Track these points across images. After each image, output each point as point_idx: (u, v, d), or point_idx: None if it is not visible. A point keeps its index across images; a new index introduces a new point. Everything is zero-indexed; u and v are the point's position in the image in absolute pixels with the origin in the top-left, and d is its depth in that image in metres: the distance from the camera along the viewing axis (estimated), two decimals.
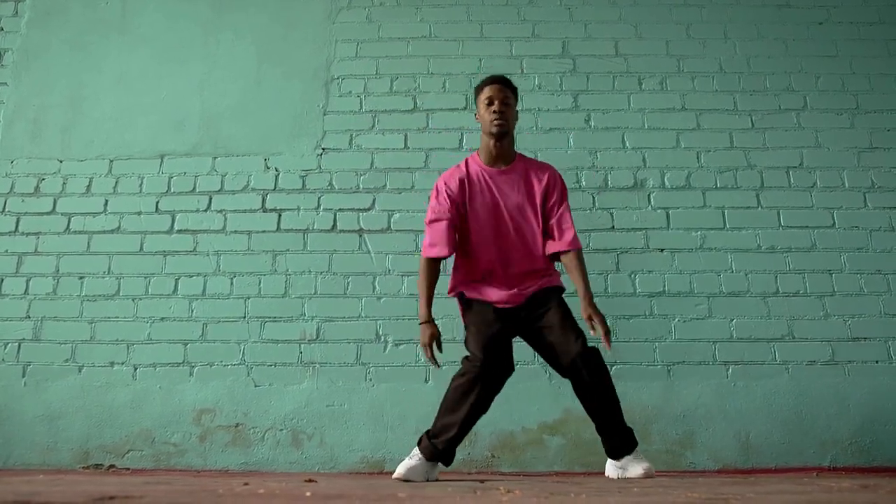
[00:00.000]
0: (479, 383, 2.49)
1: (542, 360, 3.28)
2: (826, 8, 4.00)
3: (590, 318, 2.57)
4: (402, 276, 3.49)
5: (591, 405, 2.56)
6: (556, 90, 3.84)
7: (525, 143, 3.69)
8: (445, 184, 2.73)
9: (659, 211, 3.59)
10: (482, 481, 2.38)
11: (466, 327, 2.67)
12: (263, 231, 3.60)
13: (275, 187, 3.68)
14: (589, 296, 2.63)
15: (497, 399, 3.19)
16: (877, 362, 3.30)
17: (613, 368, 3.29)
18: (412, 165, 3.67)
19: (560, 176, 2.80)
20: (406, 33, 3.98)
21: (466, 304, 2.72)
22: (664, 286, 3.46)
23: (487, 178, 2.72)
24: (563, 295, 2.73)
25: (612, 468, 2.59)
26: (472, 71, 3.86)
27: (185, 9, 4.10)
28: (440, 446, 2.48)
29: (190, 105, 3.88)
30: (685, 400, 3.26)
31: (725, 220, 3.56)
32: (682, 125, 3.75)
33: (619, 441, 2.54)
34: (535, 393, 3.25)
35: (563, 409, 3.24)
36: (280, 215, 3.63)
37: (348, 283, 3.49)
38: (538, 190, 2.72)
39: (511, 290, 2.67)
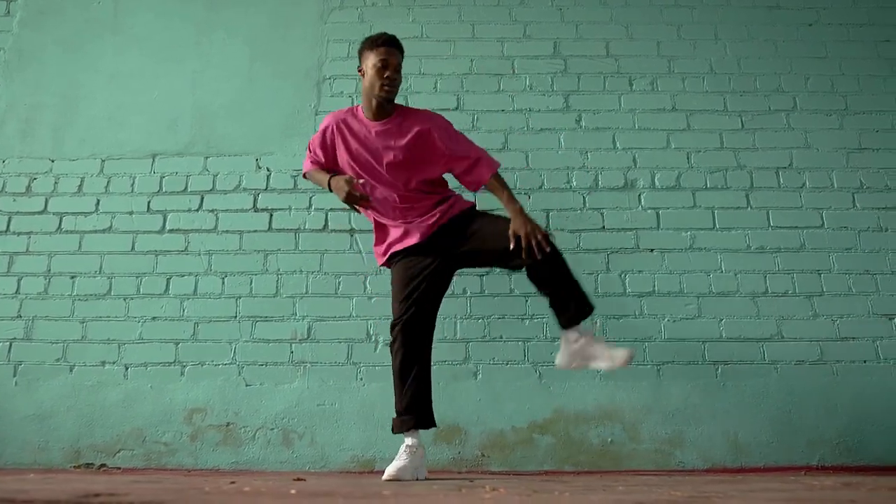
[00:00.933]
0: (401, 340, 2.58)
1: (532, 359, 3.33)
2: (816, 10, 4.02)
3: (515, 234, 2.56)
4: None
5: (545, 280, 2.59)
6: (547, 90, 3.85)
7: (516, 143, 3.71)
8: (323, 134, 2.87)
9: (649, 211, 3.60)
10: (471, 480, 2.40)
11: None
12: (255, 231, 3.60)
13: (266, 187, 3.69)
14: (515, 207, 2.64)
15: (487, 398, 3.23)
16: (865, 362, 3.32)
17: None
18: None
19: (439, 118, 2.83)
20: (397, 33, 3.88)
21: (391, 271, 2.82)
22: (654, 286, 3.47)
23: (366, 132, 2.77)
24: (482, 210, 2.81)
25: (569, 345, 2.59)
26: (464, 71, 3.87)
27: (177, 8, 4.10)
28: (404, 415, 2.56)
29: (182, 105, 3.88)
30: (674, 399, 3.27)
31: (715, 221, 3.58)
32: (672, 126, 3.77)
33: (576, 307, 2.58)
34: (525, 392, 3.27)
35: (553, 409, 3.25)
36: (271, 215, 3.63)
37: (339, 283, 3.50)
38: (415, 137, 2.74)
39: (407, 226, 2.74)
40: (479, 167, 2.77)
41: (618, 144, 3.73)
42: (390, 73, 2.68)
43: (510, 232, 2.55)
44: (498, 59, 3.92)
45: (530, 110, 3.80)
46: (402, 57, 2.81)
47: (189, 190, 3.69)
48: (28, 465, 3.22)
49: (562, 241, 3.47)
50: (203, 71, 3.96)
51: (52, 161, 3.77)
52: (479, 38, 3.96)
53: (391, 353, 2.64)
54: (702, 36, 3.97)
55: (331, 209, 3.62)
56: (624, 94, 3.84)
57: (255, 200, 3.66)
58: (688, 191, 3.64)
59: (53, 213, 3.66)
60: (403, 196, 2.76)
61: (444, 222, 2.71)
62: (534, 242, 2.52)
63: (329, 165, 2.90)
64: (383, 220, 2.86)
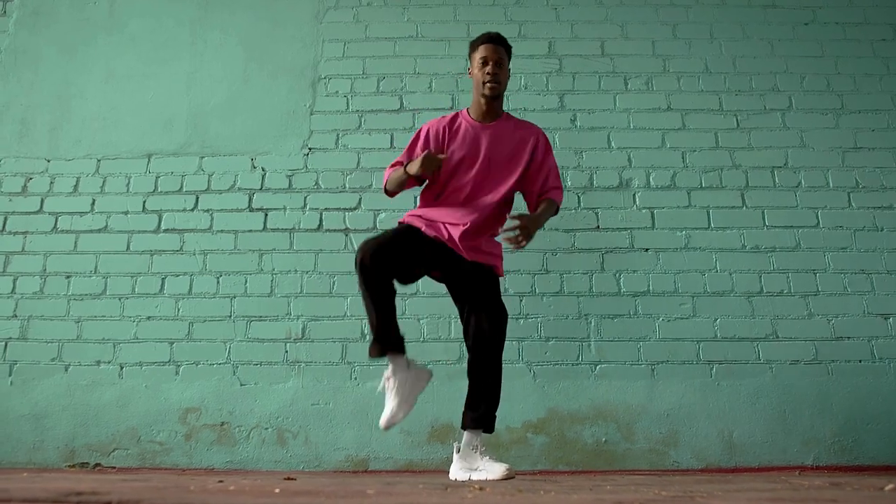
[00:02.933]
0: (364, 273, 2.46)
1: (526, 359, 3.33)
2: (812, 9, 4.01)
3: (522, 223, 2.51)
4: None
5: (477, 365, 2.54)
6: (542, 90, 3.85)
7: None
8: (428, 132, 2.80)
9: (644, 211, 3.60)
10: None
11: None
12: (250, 230, 3.61)
13: (261, 187, 3.69)
14: (538, 215, 2.64)
15: None
16: (860, 361, 3.31)
17: (598, 368, 3.31)
18: None
19: (545, 136, 2.83)
20: (393, 33, 3.99)
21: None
22: (649, 286, 3.47)
23: (475, 131, 2.74)
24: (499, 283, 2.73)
25: (458, 461, 2.50)
26: (459, 71, 3.87)
27: (172, 8, 4.11)
28: (381, 338, 2.51)
29: (177, 104, 3.89)
30: (669, 399, 3.27)
31: (710, 220, 3.57)
32: (667, 125, 3.76)
33: (486, 411, 2.53)
34: (519, 392, 3.26)
35: (547, 409, 3.25)
36: (266, 215, 3.64)
37: (334, 283, 3.50)
38: (525, 148, 2.75)
39: (459, 231, 2.61)
40: (557, 192, 2.78)
41: (613, 144, 3.73)
42: (491, 68, 2.68)
43: (519, 215, 2.54)
44: None
45: (525, 109, 3.79)
46: (508, 54, 2.78)
47: (184, 190, 3.70)
48: (23, 464, 3.23)
49: (557, 240, 3.49)
50: (198, 71, 3.96)
51: (48, 161, 3.78)
52: (474, 37, 3.95)
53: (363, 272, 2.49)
54: (697, 35, 3.96)
55: (325, 209, 3.63)
56: (619, 94, 3.84)
57: (249, 200, 3.67)
58: (683, 190, 3.63)
59: (49, 213, 3.67)
60: (481, 211, 2.69)
61: (484, 262, 2.66)
62: (522, 233, 2.49)
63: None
64: (444, 210, 2.72)
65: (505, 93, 2.85)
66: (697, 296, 3.45)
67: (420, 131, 2.83)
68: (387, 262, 2.48)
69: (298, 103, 3.86)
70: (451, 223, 2.64)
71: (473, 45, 2.79)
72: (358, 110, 3.83)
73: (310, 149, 3.76)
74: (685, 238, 3.54)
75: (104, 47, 4.04)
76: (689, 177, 3.66)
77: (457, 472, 2.45)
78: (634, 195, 3.63)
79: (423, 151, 2.69)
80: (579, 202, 3.62)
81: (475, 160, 2.71)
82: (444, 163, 2.68)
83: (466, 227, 2.61)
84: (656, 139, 3.73)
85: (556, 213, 2.81)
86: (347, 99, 3.85)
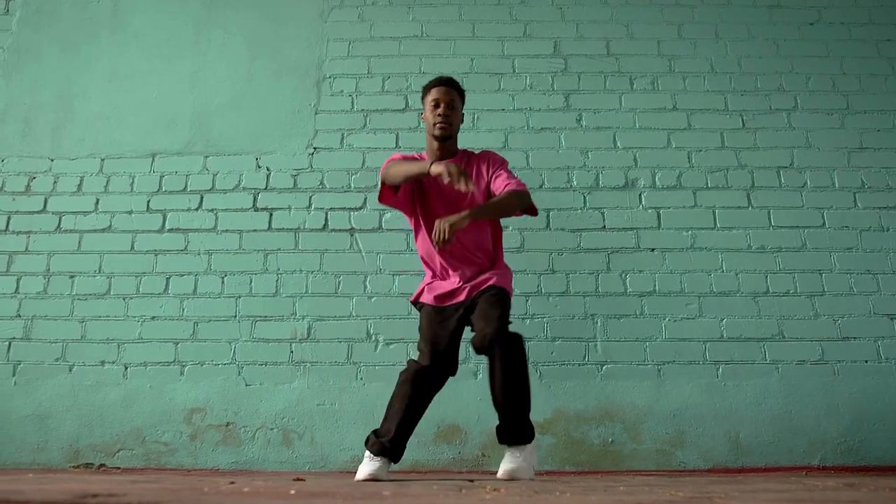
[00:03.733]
0: (418, 381, 2.53)
1: (532, 359, 3.30)
2: (817, 9, 4.01)
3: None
4: (394, 275, 3.49)
5: (498, 387, 2.47)
6: (547, 90, 3.84)
7: (516, 142, 3.71)
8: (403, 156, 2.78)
9: (650, 211, 3.60)
10: (471, 480, 2.39)
11: (419, 327, 2.70)
12: (255, 230, 3.60)
13: (266, 186, 3.68)
14: (476, 209, 2.54)
15: (487, 398, 3.17)
16: (866, 362, 3.31)
17: (604, 368, 3.31)
18: None
19: (496, 155, 2.79)
20: (398, 32, 3.98)
21: (420, 306, 2.76)
22: (655, 286, 3.46)
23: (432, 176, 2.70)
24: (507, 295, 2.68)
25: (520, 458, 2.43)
26: (464, 70, 3.86)
27: (176, 7, 4.09)
28: (387, 444, 2.47)
29: (181, 104, 3.87)
30: (675, 399, 3.26)
31: (716, 220, 3.57)
32: (673, 125, 3.76)
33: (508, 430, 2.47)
34: None
35: (553, 409, 3.25)
36: (271, 214, 3.63)
37: (339, 283, 3.49)
38: (481, 173, 2.74)
39: (456, 285, 2.68)
40: (513, 184, 2.65)
41: (618, 144, 3.72)
42: (442, 110, 2.69)
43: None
44: (498, 58, 3.91)
45: (531, 109, 3.79)
46: (461, 97, 2.80)
47: (188, 189, 3.69)
48: (27, 464, 3.22)
49: (563, 240, 3.48)
50: (202, 70, 3.95)
51: (52, 160, 3.77)
52: (480, 36, 3.96)
53: (400, 377, 2.57)
54: (702, 35, 3.96)
55: (330, 209, 3.62)
56: (624, 94, 3.83)
57: (254, 200, 3.66)
58: (689, 190, 3.63)
59: (53, 213, 3.66)
60: (466, 251, 2.70)
61: (481, 287, 2.65)
62: (439, 228, 2.44)
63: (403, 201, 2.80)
64: (438, 270, 2.77)
65: (459, 130, 2.83)
66: (703, 296, 3.44)
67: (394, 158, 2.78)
68: (451, 364, 2.60)
69: (303, 103, 3.85)
70: (445, 287, 2.71)
71: (426, 90, 2.79)
72: (363, 110, 3.82)
73: (315, 148, 3.75)
74: (691, 238, 3.54)
75: (108, 46, 4.03)
76: (695, 177, 3.66)
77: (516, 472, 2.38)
78: (640, 195, 3.63)
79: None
80: (585, 202, 3.61)
81: (438, 205, 2.71)
82: (423, 210, 2.74)
83: (457, 284, 2.68)
84: (662, 139, 3.73)
85: (520, 202, 2.63)
86: (352, 98, 3.84)
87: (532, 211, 2.73)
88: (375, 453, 2.47)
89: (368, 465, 2.43)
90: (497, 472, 2.39)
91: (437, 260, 2.73)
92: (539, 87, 3.85)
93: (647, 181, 3.65)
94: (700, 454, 3.17)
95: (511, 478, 2.33)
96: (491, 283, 2.65)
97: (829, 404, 3.24)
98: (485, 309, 2.55)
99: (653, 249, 3.53)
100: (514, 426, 2.45)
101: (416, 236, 2.82)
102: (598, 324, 3.39)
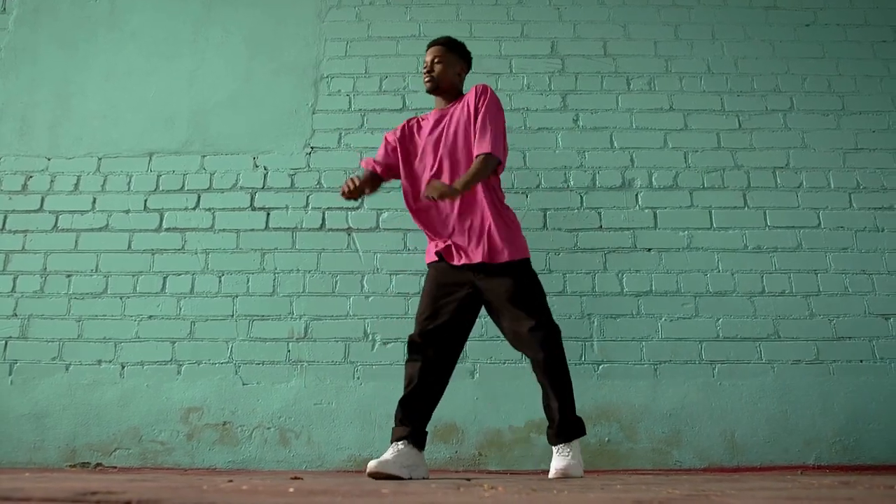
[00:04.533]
0: (412, 363, 2.58)
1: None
2: (813, 10, 4.03)
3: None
4: (391, 274, 3.49)
5: (544, 382, 2.54)
6: (544, 90, 3.85)
7: (513, 142, 3.70)
8: (394, 132, 2.92)
9: (646, 211, 3.61)
10: (468, 479, 2.40)
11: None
12: (252, 230, 3.60)
13: (263, 186, 3.68)
14: (456, 186, 2.47)
15: (484, 397, 3.22)
16: (861, 361, 3.33)
17: (600, 367, 3.32)
18: None
19: (480, 87, 2.76)
20: (395, 32, 3.99)
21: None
22: (651, 286, 3.47)
23: (430, 119, 2.84)
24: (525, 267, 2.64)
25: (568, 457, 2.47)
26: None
27: (174, 5, 4.09)
28: (395, 425, 2.54)
29: (179, 103, 3.87)
30: (672, 399, 3.27)
31: (712, 220, 3.58)
32: (669, 125, 3.77)
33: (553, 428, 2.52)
34: (522, 391, 3.25)
35: None
36: (268, 214, 3.63)
37: (336, 282, 3.50)
38: (468, 111, 2.74)
39: (451, 237, 2.65)
40: (480, 144, 2.62)
41: (615, 144, 3.74)
42: (427, 66, 2.85)
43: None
44: (495, 58, 3.92)
45: (528, 109, 3.80)
46: (450, 49, 2.89)
47: (186, 188, 3.69)
48: (23, 464, 3.21)
49: (559, 240, 3.49)
50: (200, 69, 3.95)
51: (49, 159, 3.77)
52: (477, 37, 3.96)
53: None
54: (699, 36, 3.98)
55: (328, 208, 3.62)
56: (621, 94, 3.85)
57: (252, 199, 3.66)
58: (685, 190, 3.64)
59: (49, 212, 3.66)
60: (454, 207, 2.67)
61: (488, 260, 2.58)
62: (428, 190, 2.46)
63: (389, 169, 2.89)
64: (429, 219, 2.75)
65: (466, 73, 2.97)
66: (700, 296, 3.45)
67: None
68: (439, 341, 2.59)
69: (301, 102, 3.85)
70: (438, 242, 2.69)
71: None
72: (360, 109, 3.82)
73: (312, 148, 3.75)
74: (687, 238, 3.55)
75: (105, 44, 4.03)
76: (692, 177, 3.67)
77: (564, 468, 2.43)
78: (637, 195, 3.64)
79: (385, 155, 2.88)
80: (582, 202, 3.62)
81: (431, 153, 2.75)
82: (403, 166, 2.80)
83: (448, 241, 2.66)
84: (659, 139, 3.74)
85: (487, 170, 2.59)
86: (350, 98, 3.85)
87: (498, 168, 2.70)
88: (393, 440, 2.51)
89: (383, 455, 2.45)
90: (493, 470, 2.40)
91: (429, 215, 2.72)
92: (536, 87, 3.86)
93: (643, 181, 3.66)
94: (696, 453, 3.18)
95: (564, 476, 2.38)
96: (503, 258, 2.57)
97: (824, 404, 3.26)
98: (507, 306, 2.54)
99: (649, 249, 3.54)
100: (561, 422, 2.50)
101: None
102: (595, 323, 3.40)
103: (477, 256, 2.59)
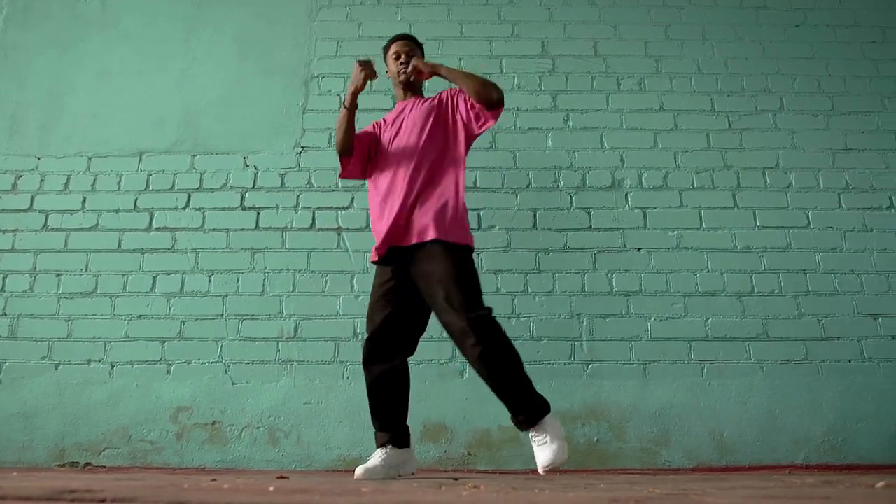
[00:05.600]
0: (365, 357, 2.59)
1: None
2: (803, 11, 4.04)
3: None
4: None
5: (487, 378, 2.40)
6: (535, 90, 3.86)
7: (503, 142, 3.72)
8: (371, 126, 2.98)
9: (636, 211, 3.61)
10: (456, 479, 2.40)
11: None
12: (242, 229, 3.59)
13: (254, 185, 3.68)
14: (446, 67, 2.76)
15: (473, 397, 3.22)
16: (850, 361, 3.33)
17: (590, 367, 3.32)
18: None
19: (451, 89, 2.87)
20: (386, 32, 3.94)
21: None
22: (641, 285, 3.48)
23: (395, 113, 2.90)
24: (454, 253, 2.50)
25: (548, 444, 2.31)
26: None
27: (165, 5, 4.09)
28: (376, 433, 2.58)
29: (169, 102, 3.87)
30: (660, 398, 3.28)
31: (702, 220, 3.59)
32: (659, 125, 3.78)
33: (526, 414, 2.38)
34: None
35: None
36: (259, 213, 3.63)
37: (326, 282, 3.50)
38: (434, 103, 2.80)
39: (398, 222, 2.56)
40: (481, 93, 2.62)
41: (605, 144, 3.74)
42: (404, 58, 2.87)
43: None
44: (486, 58, 3.92)
45: (518, 109, 3.80)
46: (420, 49, 3.00)
47: (176, 188, 3.68)
48: (12, 463, 3.21)
49: (549, 240, 3.49)
50: (190, 69, 3.95)
51: (39, 158, 3.76)
52: (468, 36, 3.97)
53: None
54: (689, 36, 3.98)
55: (318, 208, 3.62)
56: (612, 94, 3.85)
57: (242, 199, 3.66)
58: (675, 190, 3.65)
59: (39, 211, 3.65)
60: (411, 174, 2.60)
61: (424, 240, 2.50)
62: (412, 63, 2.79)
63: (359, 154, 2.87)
64: (384, 204, 2.66)
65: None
66: (689, 295, 3.46)
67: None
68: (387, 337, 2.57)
69: (291, 102, 3.85)
70: (383, 224, 2.59)
71: (385, 49, 3.00)
72: None
73: (302, 147, 3.75)
74: (677, 238, 3.56)
75: (96, 44, 4.02)
76: (681, 177, 3.67)
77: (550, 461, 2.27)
78: (626, 195, 3.64)
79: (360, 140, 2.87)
80: (572, 202, 3.62)
81: (392, 138, 2.79)
82: (374, 150, 2.84)
83: (393, 219, 2.54)
84: (648, 139, 3.75)
85: (492, 89, 2.61)
86: (340, 98, 3.85)
87: (499, 105, 2.63)
88: (378, 444, 2.55)
89: (366, 464, 2.46)
90: (482, 469, 2.40)
91: (382, 188, 2.68)
92: (527, 88, 3.87)
93: (633, 181, 3.67)
94: (685, 453, 3.19)
95: (550, 469, 2.25)
96: (429, 235, 2.47)
97: (813, 403, 3.26)
98: (434, 295, 2.42)
99: (639, 249, 3.54)
100: (521, 407, 2.37)
101: (370, 197, 2.79)
102: (584, 323, 3.40)
103: (410, 240, 2.53)
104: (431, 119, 2.73)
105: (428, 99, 2.86)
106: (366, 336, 2.61)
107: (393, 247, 2.57)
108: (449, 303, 2.38)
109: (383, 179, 2.70)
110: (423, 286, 2.48)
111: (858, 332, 3.38)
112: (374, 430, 2.60)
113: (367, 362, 2.58)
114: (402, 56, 2.87)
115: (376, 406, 2.58)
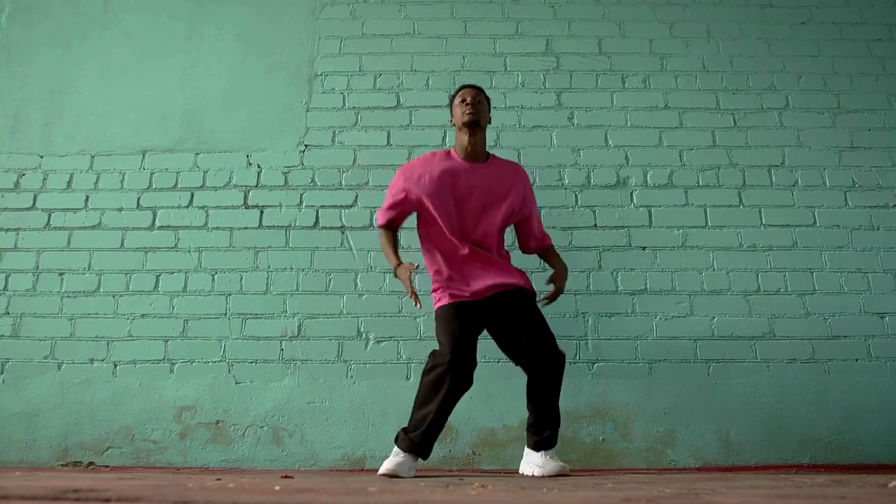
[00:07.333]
0: (449, 376, 2.54)
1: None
2: (808, 8, 4.02)
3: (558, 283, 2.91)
4: (384, 273, 3.48)
5: (539, 400, 2.67)
6: (539, 88, 3.84)
7: (508, 140, 3.70)
8: (407, 181, 2.86)
9: (641, 209, 3.60)
10: (461, 478, 2.38)
11: (436, 320, 2.74)
12: (245, 228, 3.58)
13: (257, 184, 3.67)
14: (563, 269, 2.98)
15: (478, 396, 3.21)
16: (856, 360, 3.31)
17: (595, 366, 3.31)
18: (395, 162, 3.65)
19: (526, 175, 2.99)
20: (390, 30, 3.97)
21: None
22: (646, 284, 3.46)
23: (461, 170, 2.82)
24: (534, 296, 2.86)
25: (530, 465, 2.65)
26: (456, 68, 3.85)
27: (167, 3, 4.07)
28: (416, 439, 2.54)
29: (172, 100, 3.86)
30: (666, 397, 3.26)
31: (707, 219, 3.57)
32: (664, 123, 3.76)
33: (550, 436, 2.66)
34: (516, 390, 3.23)
35: None
36: (262, 212, 3.61)
37: (330, 280, 3.48)
38: (512, 190, 2.86)
39: (476, 283, 2.76)
40: (549, 238, 3.09)
41: (610, 142, 3.72)
42: (470, 100, 2.85)
43: (557, 279, 2.92)
44: (490, 56, 3.91)
45: (522, 107, 3.78)
46: (487, 101, 2.96)
47: (179, 186, 3.67)
48: (14, 463, 3.20)
49: (554, 238, 3.46)
50: (193, 67, 3.93)
51: (41, 157, 3.75)
52: (472, 34, 3.95)
53: (427, 375, 2.62)
54: (694, 34, 3.96)
55: (321, 207, 3.60)
56: (616, 92, 3.83)
57: (245, 197, 3.64)
58: (680, 189, 3.63)
59: (42, 210, 3.64)
60: (472, 249, 2.80)
61: (506, 289, 2.78)
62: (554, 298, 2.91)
63: (413, 207, 2.90)
64: (453, 263, 2.83)
65: (489, 124, 3.04)
66: (694, 294, 3.44)
67: (399, 179, 2.91)
68: (473, 357, 2.64)
69: (294, 100, 3.83)
70: (467, 283, 2.77)
71: (453, 97, 2.97)
72: (354, 107, 3.81)
73: (306, 146, 3.74)
74: (682, 236, 3.54)
75: (98, 42, 4.01)
76: (687, 175, 3.66)
77: (524, 467, 2.68)
78: (632, 193, 3.63)
79: (403, 195, 2.86)
80: (577, 200, 3.61)
81: (466, 202, 2.81)
82: (434, 205, 2.79)
83: (479, 286, 2.75)
84: (654, 137, 3.73)
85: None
86: (344, 96, 3.83)
87: None
88: (403, 449, 2.55)
89: (392, 461, 2.50)
90: (487, 469, 2.40)
91: (458, 258, 2.80)
92: (531, 86, 3.85)
93: (638, 179, 3.65)
94: (691, 452, 3.17)
95: (561, 473, 2.50)
96: (519, 283, 2.79)
97: (819, 402, 3.24)
98: (531, 324, 2.69)
99: (644, 248, 3.53)
100: (553, 434, 2.66)
101: (426, 235, 2.90)
102: (590, 322, 3.39)
103: (496, 283, 2.77)
104: (510, 198, 2.86)
105: (504, 167, 2.93)
106: (449, 345, 2.63)
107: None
108: (542, 330, 2.74)
109: (455, 237, 2.80)
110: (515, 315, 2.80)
111: (865, 332, 3.36)
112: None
113: (448, 369, 2.58)
114: (469, 98, 2.85)
115: (438, 415, 2.58)
